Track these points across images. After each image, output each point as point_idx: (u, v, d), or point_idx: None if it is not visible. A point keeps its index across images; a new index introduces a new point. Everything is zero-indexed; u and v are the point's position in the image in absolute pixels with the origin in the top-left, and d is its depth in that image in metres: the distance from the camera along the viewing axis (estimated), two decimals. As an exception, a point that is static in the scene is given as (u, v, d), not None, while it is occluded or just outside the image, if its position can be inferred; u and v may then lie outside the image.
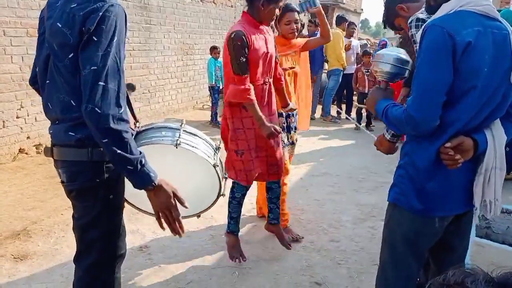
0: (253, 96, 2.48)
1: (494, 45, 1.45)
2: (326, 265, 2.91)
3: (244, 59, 2.42)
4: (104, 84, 1.35)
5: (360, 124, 7.55)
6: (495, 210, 1.63)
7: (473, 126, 1.53)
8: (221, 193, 1.93)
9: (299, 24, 3.15)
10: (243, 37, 2.41)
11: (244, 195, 2.86)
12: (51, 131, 1.58)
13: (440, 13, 1.52)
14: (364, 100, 7.47)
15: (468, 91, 1.46)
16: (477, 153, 1.55)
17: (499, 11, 3.37)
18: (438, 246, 1.72)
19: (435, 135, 1.53)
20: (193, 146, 1.77)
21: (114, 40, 1.38)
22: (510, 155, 3.47)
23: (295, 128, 3.32)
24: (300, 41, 3.29)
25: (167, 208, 1.50)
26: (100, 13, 1.36)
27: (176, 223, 1.52)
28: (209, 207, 2.01)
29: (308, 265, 2.90)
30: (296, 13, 3.08)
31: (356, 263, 2.94)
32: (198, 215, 2.02)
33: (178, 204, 1.53)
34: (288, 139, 3.27)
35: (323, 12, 3.25)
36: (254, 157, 2.67)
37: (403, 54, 1.79)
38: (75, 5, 1.40)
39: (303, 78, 3.51)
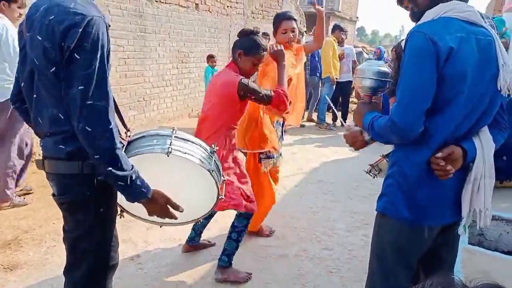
0: (282, 91, 2.53)
1: (479, 51, 1.45)
2: (318, 273, 2.90)
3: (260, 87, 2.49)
4: (91, 102, 1.35)
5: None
6: (485, 220, 1.62)
7: (461, 134, 1.53)
8: (220, 197, 1.93)
9: (296, 32, 3.12)
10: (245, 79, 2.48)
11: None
12: (41, 144, 1.57)
13: (423, 20, 1.53)
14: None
15: (454, 97, 1.46)
16: (466, 161, 1.54)
17: (492, 18, 3.40)
18: (427, 256, 1.71)
19: (423, 143, 1.52)
20: (185, 153, 1.76)
21: (98, 55, 1.36)
22: (508, 164, 3.49)
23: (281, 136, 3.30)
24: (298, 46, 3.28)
25: (161, 216, 1.60)
26: (80, 30, 1.33)
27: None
28: (208, 212, 2.02)
29: (300, 273, 2.88)
30: (293, 21, 3.04)
31: (349, 272, 2.93)
32: (198, 221, 2.04)
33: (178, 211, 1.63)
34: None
35: (324, 16, 3.22)
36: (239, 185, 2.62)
37: (382, 66, 1.82)
38: (53, 17, 1.36)
39: (301, 74, 3.45)
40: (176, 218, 1.64)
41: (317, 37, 3.35)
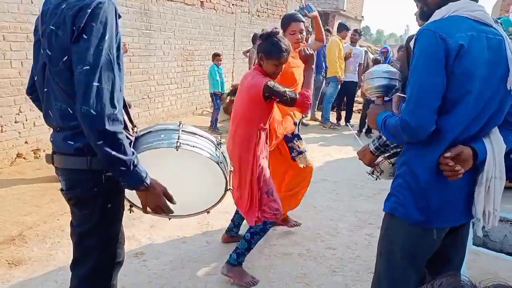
0: (308, 93, 2.56)
1: (489, 50, 1.43)
2: (322, 272, 2.89)
3: (285, 88, 2.51)
4: (98, 84, 1.32)
5: (362, 132, 7.54)
6: (493, 221, 1.60)
7: (471, 134, 1.51)
8: (228, 188, 1.94)
9: (304, 34, 3.16)
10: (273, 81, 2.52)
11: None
12: (51, 139, 1.57)
13: (433, 18, 1.51)
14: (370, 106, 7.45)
15: (464, 96, 1.44)
16: (476, 162, 1.52)
17: (498, 18, 3.40)
18: (434, 257, 1.69)
19: (433, 143, 1.50)
20: (194, 146, 1.77)
21: (106, 37, 1.35)
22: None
23: (295, 136, 3.31)
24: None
25: (157, 207, 1.55)
26: (89, 10, 1.33)
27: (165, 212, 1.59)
28: (218, 203, 2.02)
29: (304, 272, 2.88)
30: (301, 23, 3.10)
31: (352, 271, 2.92)
32: (208, 211, 2.04)
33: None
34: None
35: (319, 16, 3.43)
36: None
37: (390, 67, 1.84)
38: (65, 5, 1.38)
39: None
40: (171, 212, 1.59)
41: (317, 36, 3.56)
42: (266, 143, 2.72)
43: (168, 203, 1.58)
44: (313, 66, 2.72)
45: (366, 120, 1.91)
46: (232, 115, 2.75)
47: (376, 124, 1.68)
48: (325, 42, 3.75)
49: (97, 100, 1.32)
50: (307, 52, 2.69)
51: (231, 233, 3.22)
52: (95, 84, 1.32)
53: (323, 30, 3.48)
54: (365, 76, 1.89)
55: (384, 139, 1.94)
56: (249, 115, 2.60)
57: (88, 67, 1.32)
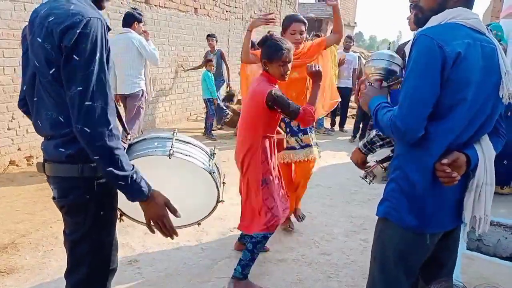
0: (312, 109, 2.53)
1: (484, 58, 1.45)
2: (317, 278, 2.89)
3: (290, 101, 2.49)
4: (90, 103, 1.35)
5: (355, 137, 7.57)
6: (484, 227, 1.61)
7: (464, 140, 1.53)
8: (220, 200, 1.93)
9: (304, 35, 3.17)
10: (279, 91, 2.51)
11: None
12: (42, 147, 1.57)
13: (429, 25, 1.52)
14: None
15: (458, 103, 1.45)
16: (469, 169, 1.54)
17: (489, 25, 3.44)
18: (427, 261, 1.69)
19: (426, 148, 1.52)
20: (187, 155, 1.77)
21: (97, 57, 1.36)
22: (509, 168, 3.48)
23: (300, 131, 3.39)
24: (309, 44, 3.32)
25: (159, 219, 1.53)
26: (78, 30, 1.33)
27: (168, 230, 1.56)
28: (209, 214, 2.00)
29: (299, 278, 2.87)
30: (303, 24, 3.13)
31: (347, 277, 2.92)
32: (198, 223, 2.03)
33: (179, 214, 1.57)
34: (299, 142, 3.37)
35: (339, 9, 3.25)
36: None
37: (394, 53, 1.84)
38: (52, 18, 1.37)
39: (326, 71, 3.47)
40: (171, 226, 1.57)
41: (335, 29, 3.38)
42: (272, 151, 2.67)
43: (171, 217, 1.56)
44: (320, 83, 2.64)
45: (360, 102, 1.89)
46: (240, 121, 2.75)
47: (368, 107, 1.69)
48: (342, 36, 3.58)
49: (91, 118, 1.35)
50: (314, 68, 2.63)
51: (243, 241, 3.16)
52: (88, 103, 1.35)
53: (342, 22, 3.35)
54: (370, 57, 1.89)
55: (371, 136, 1.97)
56: (253, 122, 2.60)
57: (80, 88, 1.34)
